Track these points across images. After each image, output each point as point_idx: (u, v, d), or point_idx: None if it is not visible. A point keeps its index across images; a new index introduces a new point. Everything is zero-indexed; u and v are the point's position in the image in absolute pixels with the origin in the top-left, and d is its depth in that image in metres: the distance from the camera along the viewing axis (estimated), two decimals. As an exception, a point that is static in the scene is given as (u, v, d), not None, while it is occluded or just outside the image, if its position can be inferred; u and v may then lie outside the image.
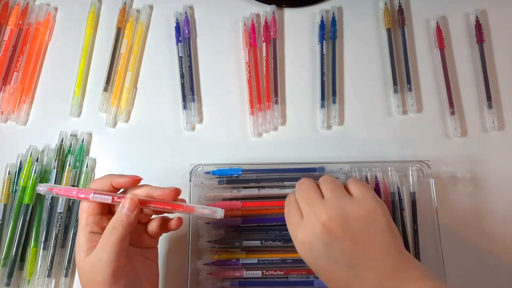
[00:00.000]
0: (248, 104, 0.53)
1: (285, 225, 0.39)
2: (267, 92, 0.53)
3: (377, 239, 0.35)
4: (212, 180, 0.48)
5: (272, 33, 0.55)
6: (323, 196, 0.38)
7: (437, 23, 0.55)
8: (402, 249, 0.36)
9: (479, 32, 0.54)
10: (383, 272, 0.34)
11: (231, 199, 0.47)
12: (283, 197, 0.46)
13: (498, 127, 0.51)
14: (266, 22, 0.56)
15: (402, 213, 0.46)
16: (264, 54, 0.54)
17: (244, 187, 0.48)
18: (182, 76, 0.54)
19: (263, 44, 0.55)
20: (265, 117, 0.52)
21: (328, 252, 0.35)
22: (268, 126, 0.52)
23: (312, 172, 0.47)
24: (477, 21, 0.55)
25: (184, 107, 0.53)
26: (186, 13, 0.56)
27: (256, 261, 0.45)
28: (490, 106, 0.51)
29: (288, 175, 0.47)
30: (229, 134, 0.52)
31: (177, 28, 0.56)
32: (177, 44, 0.55)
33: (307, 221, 0.36)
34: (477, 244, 0.47)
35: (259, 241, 0.46)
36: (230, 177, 0.47)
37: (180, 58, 0.54)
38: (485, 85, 0.52)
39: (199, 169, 0.48)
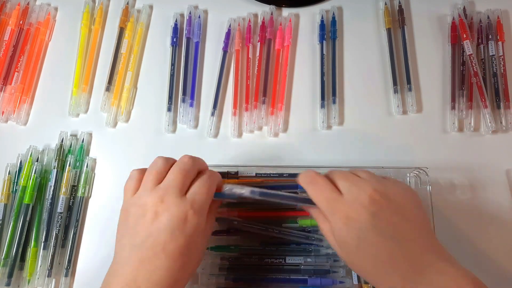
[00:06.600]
0: (244, 104, 0.53)
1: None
2: (256, 92, 0.53)
3: (415, 214, 0.37)
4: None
5: (268, 34, 0.55)
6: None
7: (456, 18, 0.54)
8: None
9: (500, 32, 0.53)
10: (424, 246, 0.35)
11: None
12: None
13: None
14: (263, 22, 0.56)
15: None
16: (258, 54, 0.54)
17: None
18: (170, 76, 0.54)
19: (258, 44, 0.55)
20: (266, 118, 0.52)
21: (375, 222, 0.35)
22: (271, 125, 0.52)
23: None
24: (499, 21, 0.54)
25: (184, 107, 0.53)
26: (190, 13, 0.56)
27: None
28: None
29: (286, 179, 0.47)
30: (228, 134, 0.52)
31: (175, 30, 0.56)
32: (172, 45, 0.55)
33: (350, 195, 0.36)
34: (475, 252, 0.46)
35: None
36: (226, 174, 0.46)
37: (173, 59, 0.55)
38: (492, 88, 0.51)
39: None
